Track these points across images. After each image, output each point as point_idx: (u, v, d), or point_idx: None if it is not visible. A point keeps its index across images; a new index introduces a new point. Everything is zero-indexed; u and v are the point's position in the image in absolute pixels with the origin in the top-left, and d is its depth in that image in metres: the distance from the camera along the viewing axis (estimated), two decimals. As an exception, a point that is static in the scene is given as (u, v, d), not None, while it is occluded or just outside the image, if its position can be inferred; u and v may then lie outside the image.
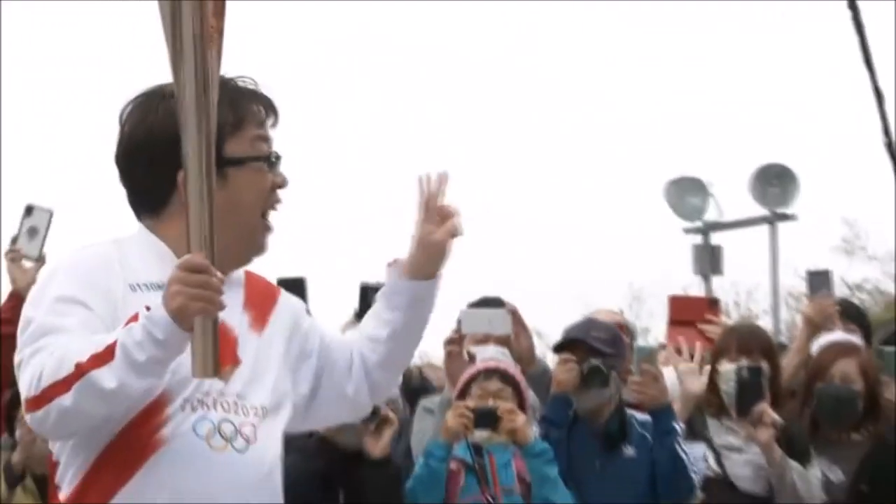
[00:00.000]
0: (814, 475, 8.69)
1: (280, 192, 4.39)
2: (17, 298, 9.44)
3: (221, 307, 3.74)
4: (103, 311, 4.01)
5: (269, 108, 4.30)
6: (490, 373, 8.61)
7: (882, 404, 9.26)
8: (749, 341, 9.30)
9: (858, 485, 8.87)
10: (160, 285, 3.94)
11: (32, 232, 10.14)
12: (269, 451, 4.12)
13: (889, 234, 29.10)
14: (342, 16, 79.22)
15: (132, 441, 4.00)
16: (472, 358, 9.04)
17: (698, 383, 8.99)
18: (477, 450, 8.38)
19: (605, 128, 62.62)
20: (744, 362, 8.86)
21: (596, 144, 61.50)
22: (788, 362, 9.73)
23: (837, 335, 9.61)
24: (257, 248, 4.28)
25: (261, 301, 4.23)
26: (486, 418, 8.36)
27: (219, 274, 3.83)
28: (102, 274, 4.14)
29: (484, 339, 9.16)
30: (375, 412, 8.29)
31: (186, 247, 3.95)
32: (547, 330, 18.84)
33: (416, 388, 10.00)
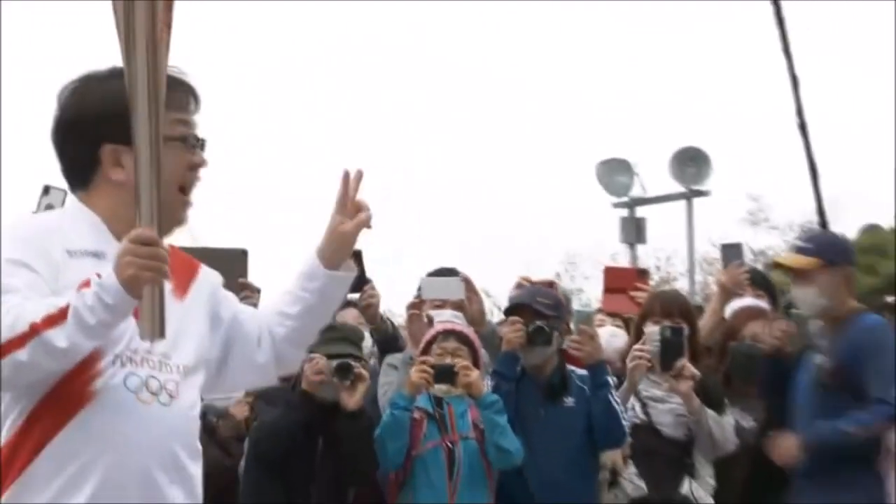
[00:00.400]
0: (727, 422, 9.61)
1: (199, 172, 4.78)
2: None
3: (167, 277, 4.18)
4: (47, 274, 4.37)
5: (191, 94, 4.70)
6: (447, 334, 9.30)
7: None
8: (671, 305, 10.15)
9: (766, 431, 9.51)
10: (94, 252, 4.48)
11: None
12: (189, 405, 4.62)
13: (789, 207, 31.67)
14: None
15: (66, 393, 4.39)
16: (430, 321, 9.74)
17: (623, 342, 10.23)
18: (437, 401, 9.13)
19: (544, 115, 65.09)
20: (666, 323, 9.69)
21: (538, 129, 65.21)
22: (705, 323, 10.60)
23: (747, 300, 10.69)
24: (176, 221, 4.70)
25: (182, 271, 4.60)
26: (445, 374, 9.01)
27: (165, 245, 4.33)
28: (45, 240, 4.49)
29: (441, 304, 9.95)
30: (348, 369, 9.25)
31: (116, 218, 4.52)
32: (495, 290, 21.14)
33: (388, 340, 10.39)
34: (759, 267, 17.25)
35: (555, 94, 67.45)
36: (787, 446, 8.89)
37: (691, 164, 25.25)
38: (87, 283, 4.11)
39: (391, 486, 9.32)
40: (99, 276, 4.11)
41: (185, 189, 4.62)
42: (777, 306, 11.06)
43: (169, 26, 4.34)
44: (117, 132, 4.50)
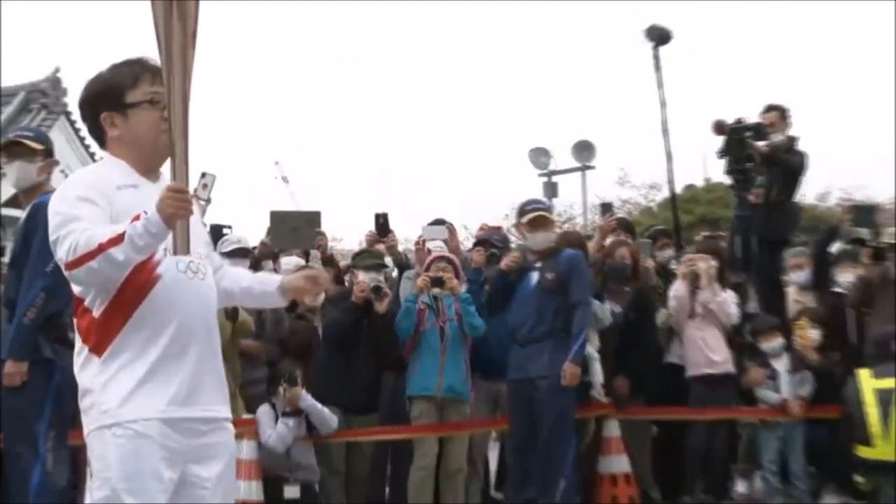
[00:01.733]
0: (606, 308, 12.95)
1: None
2: None
3: (192, 213, 5.25)
4: (103, 204, 5.34)
5: (155, 71, 5.49)
6: (439, 258, 12.48)
7: (641, 272, 13.69)
8: (571, 238, 13.74)
9: (628, 313, 13.29)
10: (132, 185, 5.51)
11: (205, 186, 13.30)
12: (211, 280, 5.72)
13: (643, 174, 38.54)
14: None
15: (137, 280, 5.31)
16: (429, 251, 12.98)
17: None
18: (434, 298, 12.15)
19: (494, 114, 78.53)
20: (570, 251, 12.71)
21: (490, 125, 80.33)
22: (592, 249, 13.81)
23: (610, 239, 14.13)
24: (163, 152, 5.59)
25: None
26: (438, 282, 12.00)
27: (190, 192, 5.45)
28: (99, 182, 5.48)
29: (433, 240, 13.22)
30: (379, 289, 12.41)
31: (135, 161, 5.57)
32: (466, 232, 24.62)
33: (404, 265, 14.09)
34: (624, 213, 21.13)
35: (496, 97, 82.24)
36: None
37: (584, 149, 33.96)
38: (137, 217, 5.10)
39: (407, 350, 12.28)
40: (146, 212, 5.07)
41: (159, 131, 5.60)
42: (635, 238, 14.70)
43: (195, 35, 5.51)
44: (107, 103, 5.62)
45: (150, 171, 5.60)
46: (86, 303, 5.32)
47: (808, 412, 13.13)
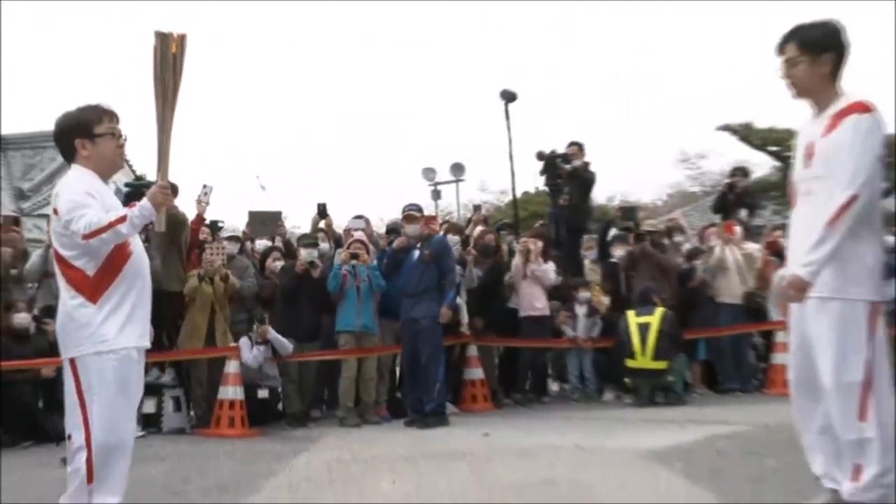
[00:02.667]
0: (473, 272, 13.08)
1: (124, 147, 5.59)
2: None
3: (172, 203, 5.56)
4: (98, 197, 5.29)
5: (112, 114, 5.47)
6: (357, 241, 12.31)
7: (499, 251, 13.89)
8: (456, 228, 14.26)
9: (487, 276, 13.34)
10: (103, 186, 5.44)
11: (205, 194, 12.39)
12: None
13: (497, 185, 38.63)
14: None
15: (118, 254, 5.34)
16: (352, 235, 12.72)
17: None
18: (353, 267, 11.96)
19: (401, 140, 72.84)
20: (456, 238, 13.39)
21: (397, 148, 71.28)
22: (469, 234, 14.34)
23: (480, 228, 14.44)
24: (117, 168, 5.68)
25: None
26: (355, 256, 11.96)
27: (170, 188, 5.42)
28: (90, 184, 5.36)
29: (355, 228, 13.06)
30: (313, 264, 12.32)
31: (97, 170, 5.44)
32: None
33: (338, 243, 13.49)
34: (485, 211, 21.27)
35: (399, 129, 73.82)
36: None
37: (458, 168, 31.20)
38: (132, 205, 5.30)
39: (335, 300, 12.18)
40: (139, 202, 5.28)
41: (118, 155, 5.60)
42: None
43: (179, 75, 5.41)
44: (79, 132, 5.44)
45: (106, 179, 5.58)
46: (76, 263, 5.24)
47: (597, 343, 13.71)
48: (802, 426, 5.29)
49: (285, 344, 11.81)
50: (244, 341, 11.66)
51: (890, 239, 11.80)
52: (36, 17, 67.27)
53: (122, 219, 5.16)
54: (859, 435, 4.81)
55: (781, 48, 5.11)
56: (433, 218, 13.80)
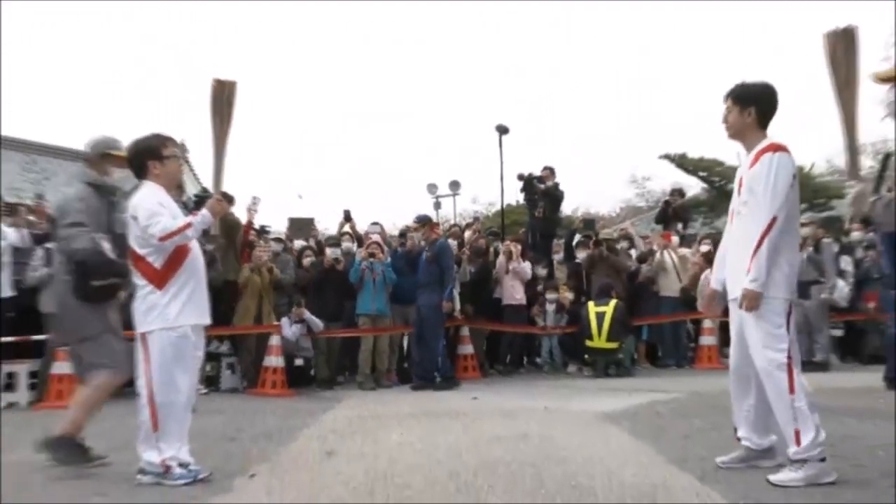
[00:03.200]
0: (468, 269, 12.89)
1: (182, 167, 5.77)
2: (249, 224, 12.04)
3: (226, 212, 5.79)
4: (167, 207, 5.34)
5: (173, 140, 5.57)
6: (374, 242, 12.24)
7: (488, 252, 13.81)
8: (455, 233, 14.13)
9: (479, 272, 13.19)
10: (170, 199, 5.46)
11: (255, 203, 11.98)
12: None
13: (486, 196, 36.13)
14: None
15: (183, 250, 5.37)
16: (370, 238, 12.70)
17: None
18: (370, 263, 11.83)
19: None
20: (441, 241, 12.47)
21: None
22: (466, 239, 14.07)
23: (473, 234, 14.54)
24: (178, 183, 6.00)
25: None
26: (373, 254, 11.91)
27: (225, 199, 6.01)
28: (160, 196, 5.40)
29: (372, 232, 13.19)
30: (337, 259, 12.26)
31: (165, 186, 5.47)
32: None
33: (360, 243, 13.09)
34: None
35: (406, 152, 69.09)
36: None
37: (455, 185, 29.39)
38: (195, 213, 5.41)
39: (356, 289, 12.05)
40: (201, 211, 5.41)
41: (179, 173, 5.81)
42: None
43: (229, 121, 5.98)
44: (151, 155, 5.47)
45: (169, 192, 5.56)
46: (148, 259, 5.28)
47: (562, 330, 13.65)
48: (735, 403, 5.40)
49: (317, 322, 11.77)
50: (284, 320, 11.61)
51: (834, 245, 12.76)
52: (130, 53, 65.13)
53: (188, 225, 5.27)
54: (792, 405, 4.87)
55: (725, 99, 5.22)
56: (436, 225, 13.69)
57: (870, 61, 5.07)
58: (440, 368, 11.60)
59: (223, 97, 5.45)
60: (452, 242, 13.20)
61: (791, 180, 5.00)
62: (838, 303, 13.04)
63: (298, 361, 11.70)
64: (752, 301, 4.96)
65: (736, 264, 5.15)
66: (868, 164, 21.75)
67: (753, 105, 5.11)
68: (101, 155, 5.97)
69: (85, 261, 5.72)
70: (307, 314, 11.72)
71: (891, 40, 20.84)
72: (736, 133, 5.24)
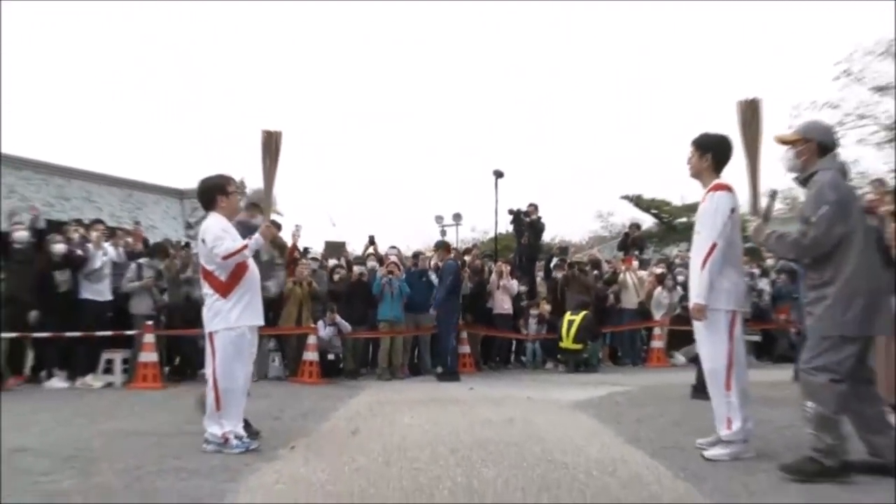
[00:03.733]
0: (468, 285, 12.18)
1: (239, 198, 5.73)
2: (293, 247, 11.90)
3: (275, 236, 5.75)
4: (230, 232, 5.33)
5: (233, 179, 5.50)
6: (392, 263, 12.03)
7: (483, 271, 13.37)
8: (459, 255, 13.41)
9: (476, 287, 12.82)
10: (232, 227, 5.40)
11: (297, 230, 12.01)
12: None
13: (483, 225, 34.77)
14: None
15: (243, 266, 5.34)
16: (388, 258, 12.59)
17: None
18: (389, 280, 11.70)
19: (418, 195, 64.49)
20: (450, 261, 12.63)
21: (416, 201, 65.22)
22: (469, 261, 13.03)
23: (472, 256, 13.94)
24: (237, 213, 5.80)
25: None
26: (391, 272, 11.72)
27: (274, 228, 5.51)
28: (224, 224, 5.38)
29: (391, 254, 13.01)
30: (362, 274, 12.15)
31: (228, 216, 5.44)
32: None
33: (381, 261, 12.71)
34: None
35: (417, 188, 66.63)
36: None
37: (458, 217, 28.44)
38: (250, 238, 5.32)
39: (377, 300, 11.85)
40: (254, 236, 5.33)
41: (238, 202, 5.73)
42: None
43: (276, 162, 5.35)
44: (218, 191, 5.44)
45: (231, 220, 5.53)
46: (215, 273, 5.30)
47: (543, 336, 13.57)
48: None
49: (346, 325, 11.64)
50: (320, 323, 11.51)
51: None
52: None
53: (245, 246, 5.27)
54: (727, 400, 4.92)
55: (691, 144, 5.20)
56: (450, 249, 13.44)
57: (778, 126, 5.14)
58: (449, 364, 11.49)
59: (271, 144, 5.45)
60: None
61: (729, 213, 4.97)
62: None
63: (330, 356, 11.56)
64: (698, 313, 4.96)
65: (692, 282, 5.17)
66: (778, 206, 22.65)
67: (711, 152, 5.10)
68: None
69: None
70: (338, 318, 11.59)
71: (795, 112, 20.51)
72: (695, 174, 5.22)
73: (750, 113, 4.92)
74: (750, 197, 4.85)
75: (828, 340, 4.27)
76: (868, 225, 4.43)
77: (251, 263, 5.44)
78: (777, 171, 4.91)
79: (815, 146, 4.50)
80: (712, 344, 4.99)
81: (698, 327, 5.08)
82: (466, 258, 13.93)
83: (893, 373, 6.07)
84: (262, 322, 5.55)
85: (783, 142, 4.62)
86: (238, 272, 5.32)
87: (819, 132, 4.61)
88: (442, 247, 12.87)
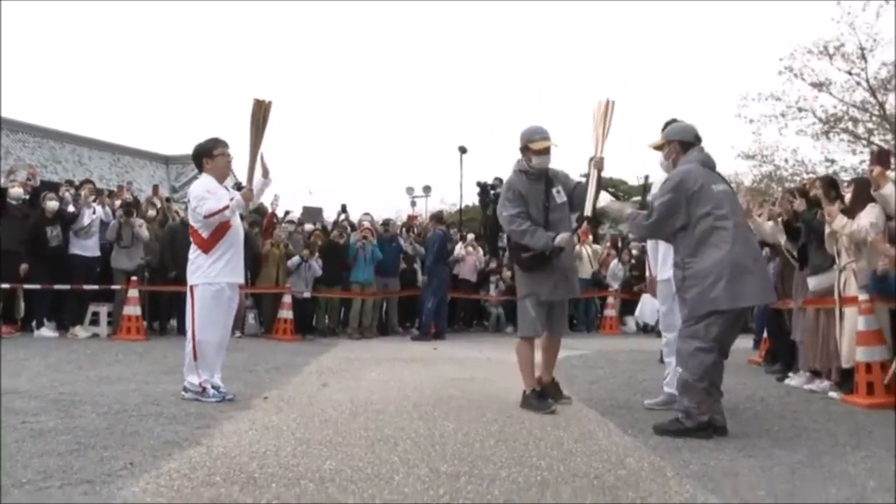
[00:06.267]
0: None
1: (230, 163, 5.43)
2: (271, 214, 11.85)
3: (254, 200, 5.24)
4: (214, 192, 5.22)
5: (224, 143, 5.35)
6: (366, 229, 11.90)
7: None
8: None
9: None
10: (220, 187, 5.29)
11: (276, 199, 11.94)
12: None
13: (451, 198, 32.33)
14: None
15: (224, 224, 5.23)
16: (362, 224, 12.24)
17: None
18: (362, 244, 11.69)
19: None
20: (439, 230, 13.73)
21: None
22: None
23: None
24: (227, 175, 5.41)
25: None
26: (365, 237, 11.72)
27: (255, 192, 5.31)
28: (210, 184, 5.27)
29: (364, 220, 12.54)
30: (340, 236, 12.00)
31: (217, 177, 5.30)
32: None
33: (354, 227, 12.51)
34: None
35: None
36: None
37: (427, 189, 28.37)
38: (232, 199, 5.23)
39: (350, 263, 11.82)
40: (235, 197, 5.24)
41: (228, 164, 5.49)
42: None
43: (264, 125, 5.17)
44: (206, 153, 5.34)
45: (221, 182, 5.41)
46: (199, 230, 5.24)
47: (505, 297, 13.39)
48: (667, 359, 5.47)
49: (317, 269, 11.67)
50: (296, 258, 11.52)
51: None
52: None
53: (226, 207, 5.17)
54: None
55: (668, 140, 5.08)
56: (442, 220, 13.68)
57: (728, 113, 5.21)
58: (426, 324, 11.82)
59: (260, 114, 5.35)
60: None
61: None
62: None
63: (306, 294, 11.60)
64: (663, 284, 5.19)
65: (659, 257, 5.29)
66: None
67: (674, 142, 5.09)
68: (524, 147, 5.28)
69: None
70: (314, 262, 11.62)
71: (743, 102, 21.71)
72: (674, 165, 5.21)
73: (602, 111, 5.00)
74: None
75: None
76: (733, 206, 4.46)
77: (235, 223, 5.34)
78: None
79: (678, 145, 4.63)
80: (674, 313, 5.02)
81: (666, 297, 5.19)
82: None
83: (817, 342, 6.28)
84: (241, 280, 5.52)
85: (656, 148, 4.76)
86: (220, 230, 5.23)
87: (677, 133, 4.72)
88: (434, 217, 13.14)
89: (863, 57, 20.17)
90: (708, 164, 4.58)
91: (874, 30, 19.74)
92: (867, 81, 20.41)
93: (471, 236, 13.86)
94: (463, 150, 15.90)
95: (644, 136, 5.37)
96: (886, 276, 5.41)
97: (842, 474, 3.44)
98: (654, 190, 4.90)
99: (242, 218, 5.81)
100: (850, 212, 5.87)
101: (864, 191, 5.82)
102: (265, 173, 5.51)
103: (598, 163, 5.01)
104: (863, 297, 5.65)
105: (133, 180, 19.45)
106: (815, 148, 23.53)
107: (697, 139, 4.68)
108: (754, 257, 4.44)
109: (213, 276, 5.21)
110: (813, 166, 21.50)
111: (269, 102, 5.28)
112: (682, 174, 4.44)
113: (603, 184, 5.11)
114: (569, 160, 5.43)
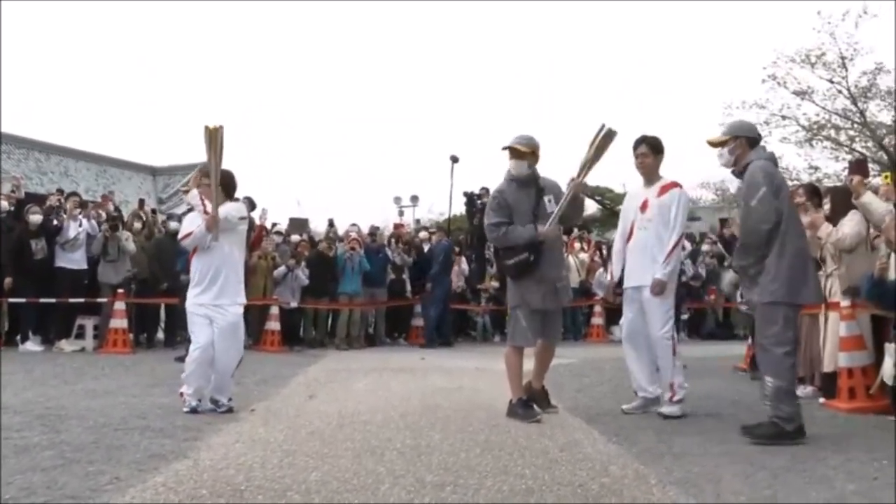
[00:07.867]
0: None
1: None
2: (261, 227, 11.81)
3: (215, 228, 5.04)
4: (191, 221, 5.32)
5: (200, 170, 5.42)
6: (353, 240, 11.95)
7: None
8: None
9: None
10: (199, 215, 5.23)
11: (264, 212, 12.16)
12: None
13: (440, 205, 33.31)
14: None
15: (197, 248, 5.25)
16: (350, 236, 12.31)
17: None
18: (350, 255, 11.83)
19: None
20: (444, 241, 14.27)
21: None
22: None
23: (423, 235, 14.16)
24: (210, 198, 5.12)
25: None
26: (353, 248, 11.81)
27: (218, 220, 5.13)
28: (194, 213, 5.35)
29: (351, 232, 12.68)
30: (327, 248, 12.20)
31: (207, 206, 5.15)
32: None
33: (341, 240, 12.62)
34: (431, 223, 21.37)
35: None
36: None
37: (414, 199, 28.69)
38: (199, 226, 5.21)
39: (338, 274, 11.94)
40: (200, 226, 5.18)
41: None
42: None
43: (220, 154, 5.07)
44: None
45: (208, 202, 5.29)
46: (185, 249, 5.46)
47: (489, 309, 13.56)
48: (631, 365, 5.52)
49: (303, 278, 11.69)
50: (282, 268, 11.55)
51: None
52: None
53: (189, 234, 5.25)
54: (674, 363, 5.21)
55: (644, 146, 5.40)
56: (445, 232, 14.36)
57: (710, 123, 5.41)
58: (427, 333, 12.20)
59: (216, 140, 5.29)
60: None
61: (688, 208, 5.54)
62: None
63: (293, 304, 11.61)
64: (662, 288, 5.17)
65: (640, 262, 5.30)
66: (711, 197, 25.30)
67: (662, 154, 5.44)
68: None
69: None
70: (300, 271, 11.65)
71: (727, 111, 21.12)
72: (648, 171, 5.44)
73: (601, 139, 5.10)
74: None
75: (779, 312, 4.33)
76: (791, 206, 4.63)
77: (218, 245, 5.27)
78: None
79: (745, 141, 4.63)
80: (666, 317, 5.20)
81: (653, 302, 5.23)
82: (422, 235, 14.14)
83: (800, 348, 6.23)
84: (224, 301, 5.31)
85: (714, 144, 4.75)
86: (194, 251, 5.32)
87: (745, 129, 4.76)
88: (441, 229, 13.73)
89: (843, 66, 20.41)
90: (775, 161, 4.67)
91: (853, 39, 19.94)
92: (848, 90, 20.65)
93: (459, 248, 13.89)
94: (455, 159, 15.85)
95: (625, 144, 5.36)
96: (883, 281, 5.45)
97: (822, 478, 3.47)
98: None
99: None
100: (832, 221, 5.98)
101: (844, 199, 5.91)
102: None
103: (577, 186, 5.14)
104: (844, 303, 5.70)
105: (117, 191, 19.51)
106: (798, 155, 23.71)
107: (760, 137, 4.77)
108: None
109: (191, 296, 5.28)
110: (797, 173, 21.66)
111: (220, 127, 5.16)
112: (768, 168, 4.46)
113: (589, 191, 5.23)
114: (558, 171, 5.46)
